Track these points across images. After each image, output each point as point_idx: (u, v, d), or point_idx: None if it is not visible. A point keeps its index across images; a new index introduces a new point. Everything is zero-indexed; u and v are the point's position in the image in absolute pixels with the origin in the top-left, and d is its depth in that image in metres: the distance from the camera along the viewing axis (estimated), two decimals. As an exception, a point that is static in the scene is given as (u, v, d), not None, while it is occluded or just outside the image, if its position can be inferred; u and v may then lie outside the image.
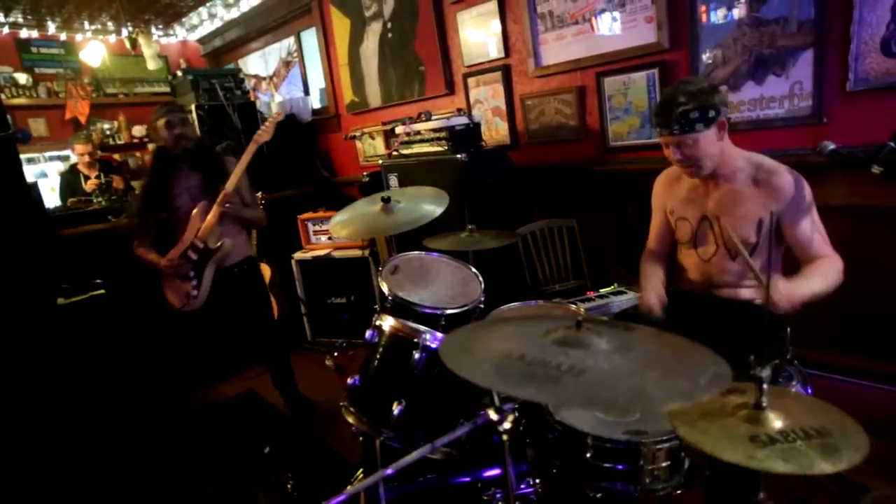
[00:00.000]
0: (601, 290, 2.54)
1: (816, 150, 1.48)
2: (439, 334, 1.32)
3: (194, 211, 2.52)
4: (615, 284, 2.56)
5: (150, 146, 4.77)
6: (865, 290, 2.11)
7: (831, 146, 1.44)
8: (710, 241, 1.72)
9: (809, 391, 1.67)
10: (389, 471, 0.83)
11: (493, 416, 0.88)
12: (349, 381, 1.39)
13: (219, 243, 2.55)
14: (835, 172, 2.10)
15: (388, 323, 1.38)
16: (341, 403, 1.40)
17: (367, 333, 1.40)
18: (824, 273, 1.55)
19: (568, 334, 1.01)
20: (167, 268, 2.51)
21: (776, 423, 1.00)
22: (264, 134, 2.62)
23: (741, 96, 2.32)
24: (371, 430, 1.30)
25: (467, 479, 1.56)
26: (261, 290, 2.88)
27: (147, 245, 2.60)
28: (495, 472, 1.56)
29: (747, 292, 1.71)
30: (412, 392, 1.30)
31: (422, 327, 1.33)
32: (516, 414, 0.92)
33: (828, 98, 2.06)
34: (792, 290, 1.46)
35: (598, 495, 1.44)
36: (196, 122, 3.89)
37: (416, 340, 1.30)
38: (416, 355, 1.28)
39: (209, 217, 2.51)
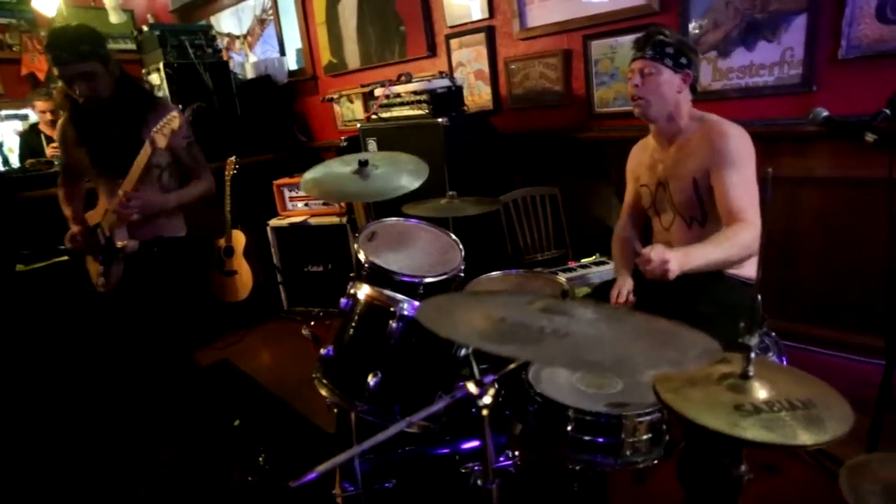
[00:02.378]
0: (583, 260, 2.51)
1: (809, 117, 1.43)
2: (417, 303, 1.26)
3: (110, 187, 1.98)
4: (597, 254, 2.53)
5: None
6: (845, 262, 2.13)
7: (825, 113, 1.40)
8: (667, 209, 1.70)
9: (784, 361, 1.67)
10: (364, 447, 0.78)
11: (474, 389, 0.83)
12: (322, 351, 1.33)
13: (121, 243, 1.98)
14: (820, 143, 2.08)
15: (363, 291, 1.31)
16: (313, 375, 1.34)
17: (342, 302, 1.33)
18: (729, 242, 1.42)
19: (552, 303, 0.96)
20: (71, 241, 2.04)
21: (761, 393, 0.98)
22: (160, 138, 1.84)
23: (731, 63, 2.26)
24: (345, 402, 1.25)
25: (445, 451, 1.53)
26: (166, 280, 2.12)
27: (69, 193, 2.14)
28: (473, 444, 1.54)
29: None
30: (388, 363, 1.24)
31: (398, 296, 1.26)
32: (497, 387, 0.87)
33: (819, 65, 2.02)
34: (679, 258, 1.33)
35: (577, 468, 1.43)
36: (164, 82, 3.69)
37: (392, 309, 1.23)
38: (393, 325, 1.22)
39: (111, 213, 1.95)
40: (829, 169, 2.07)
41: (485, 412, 0.84)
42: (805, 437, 0.87)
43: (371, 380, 1.20)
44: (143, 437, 2.48)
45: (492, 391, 0.83)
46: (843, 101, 1.96)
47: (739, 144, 1.49)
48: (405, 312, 1.23)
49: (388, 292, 1.29)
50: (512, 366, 1.03)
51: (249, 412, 2.52)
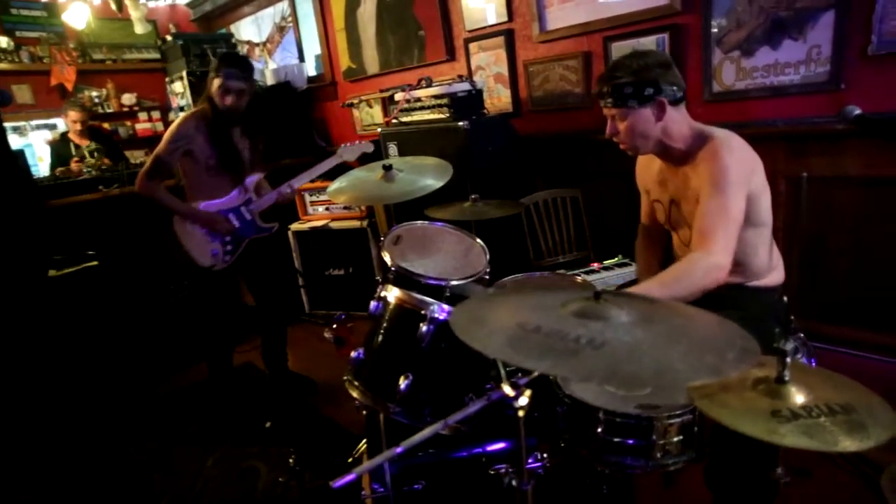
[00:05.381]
0: (605, 262, 2.50)
1: (840, 115, 1.41)
2: (446, 306, 1.27)
3: (251, 181, 2.49)
4: (619, 256, 2.52)
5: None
6: (878, 261, 2.09)
7: (857, 111, 1.37)
8: (683, 226, 1.61)
9: (813, 363, 1.65)
10: (399, 449, 0.79)
11: (509, 391, 0.84)
12: (353, 354, 1.34)
13: (271, 225, 2.56)
14: (850, 142, 2.04)
15: (393, 294, 1.33)
16: (345, 377, 1.35)
17: (372, 305, 1.35)
18: (675, 279, 1.32)
19: (586, 306, 0.96)
20: (216, 222, 2.39)
21: (798, 398, 0.97)
22: (349, 154, 2.70)
23: (755, 62, 2.24)
24: (376, 404, 1.26)
25: (472, 453, 1.53)
26: (286, 255, 2.89)
27: (163, 186, 2.41)
28: (499, 445, 1.53)
29: (731, 277, 1.51)
30: (419, 366, 1.25)
31: (428, 299, 1.27)
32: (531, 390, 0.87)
33: (847, 62, 1.99)
34: None
35: (607, 470, 1.42)
36: (187, 90, 3.77)
37: (423, 312, 1.24)
38: (424, 328, 1.23)
39: (265, 199, 2.52)
40: (859, 168, 2.04)
41: (521, 413, 0.84)
42: (847, 443, 0.86)
43: (402, 382, 1.21)
44: (170, 438, 2.53)
45: (528, 393, 0.84)
46: (873, 98, 1.93)
47: (730, 167, 1.37)
48: (436, 315, 1.24)
49: (417, 295, 1.30)
50: (535, 374, 1.03)
51: (275, 414, 2.56)
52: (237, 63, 2.34)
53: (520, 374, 1.46)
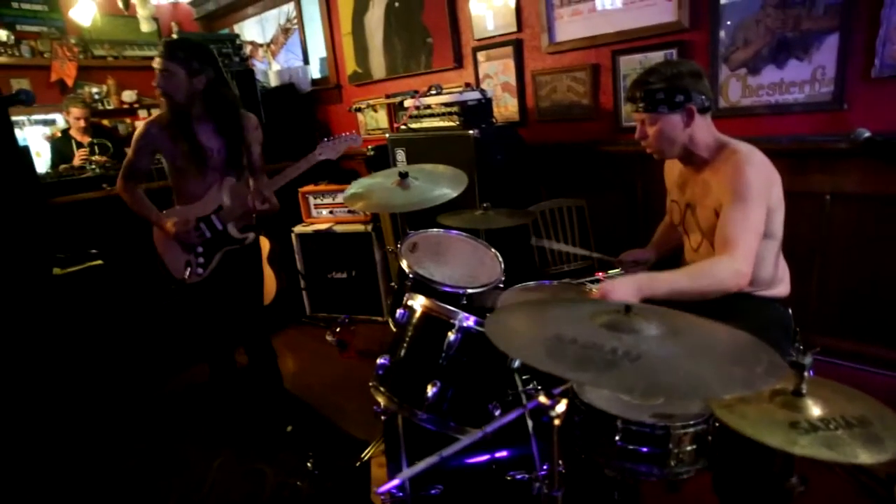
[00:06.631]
0: (610, 272, 2.54)
1: (851, 136, 1.47)
2: (470, 315, 1.30)
3: (221, 185, 2.25)
4: (624, 266, 2.56)
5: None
6: (874, 276, 2.15)
7: (867, 133, 1.43)
8: (695, 230, 1.68)
9: (811, 374, 1.69)
10: (446, 453, 0.81)
11: (545, 400, 0.87)
12: (379, 360, 1.37)
13: (245, 236, 2.33)
14: (850, 160, 2.11)
15: (419, 302, 1.36)
16: (370, 383, 1.38)
17: (398, 313, 1.37)
18: (700, 273, 1.42)
19: (616, 318, 1.00)
20: (180, 233, 2.21)
21: (815, 410, 1.01)
22: (329, 152, 2.31)
23: (760, 80, 2.30)
24: (403, 411, 1.28)
25: (483, 458, 1.55)
26: (259, 268, 2.59)
27: (139, 191, 2.29)
28: (504, 453, 1.56)
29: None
30: (445, 373, 1.28)
31: (456, 309, 1.30)
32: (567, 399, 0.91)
33: (850, 84, 2.05)
34: (642, 283, 1.35)
35: (618, 476, 1.45)
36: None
37: (451, 321, 1.27)
38: (452, 336, 1.25)
39: (233, 208, 2.26)
40: (858, 185, 2.10)
41: (556, 422, 0.87)
42: (865, 457, 0.90)
43: (430, 390, 1.23)
44: (176, 438, 2.53)
45: (564, 402, 0.87)
46: (876, 119, 1.99)
47: (752, 181, 1.44)
48: (464, 324, 1.27)
49: (444, 304, 1.33)
50: (569, 384, 1.06)
51: (280, 417, 2.56)
52: (168, 44, 2.14)
53: (535, 384, 1.49)
